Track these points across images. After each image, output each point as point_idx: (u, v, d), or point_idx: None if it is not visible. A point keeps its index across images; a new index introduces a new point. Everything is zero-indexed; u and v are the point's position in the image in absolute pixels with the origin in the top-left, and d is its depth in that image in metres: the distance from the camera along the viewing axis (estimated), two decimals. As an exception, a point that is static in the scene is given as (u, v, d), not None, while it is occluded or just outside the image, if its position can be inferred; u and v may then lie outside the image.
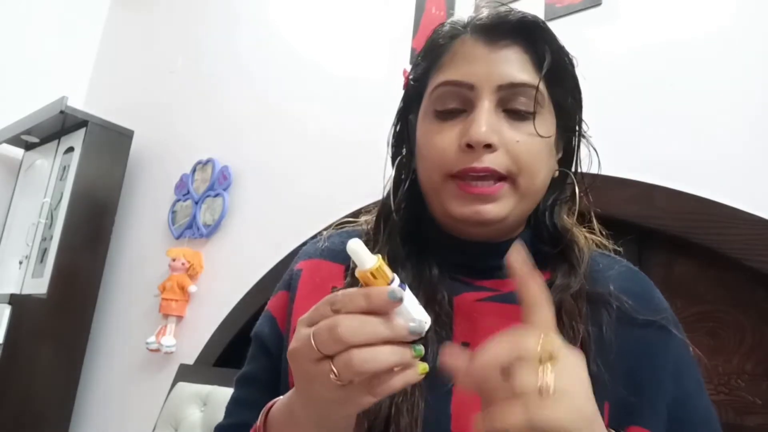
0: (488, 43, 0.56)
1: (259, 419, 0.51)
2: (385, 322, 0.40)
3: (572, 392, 0.37)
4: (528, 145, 0.54)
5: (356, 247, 0.40)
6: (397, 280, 0.41)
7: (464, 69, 0.55)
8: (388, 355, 0.39)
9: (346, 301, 0.40)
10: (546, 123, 0.56)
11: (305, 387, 0.43)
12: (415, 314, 0.41)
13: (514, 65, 0.55)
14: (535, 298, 0.41)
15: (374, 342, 0.39)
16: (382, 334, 0.39)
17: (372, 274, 0.40)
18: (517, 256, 0.41)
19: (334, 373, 0.39)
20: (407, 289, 0.41)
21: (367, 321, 0.39)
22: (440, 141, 0.55)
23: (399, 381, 0.40)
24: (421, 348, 0.41)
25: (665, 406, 0.54)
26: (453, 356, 0.41)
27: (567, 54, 0.58)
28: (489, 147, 0.52)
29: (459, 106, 0.55)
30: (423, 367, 0.41)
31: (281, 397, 0.50)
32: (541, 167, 0.56)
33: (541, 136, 0.54)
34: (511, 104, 0.54)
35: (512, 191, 0.54)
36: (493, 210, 0.53)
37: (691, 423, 0.55)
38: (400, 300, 0.39)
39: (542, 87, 0.55)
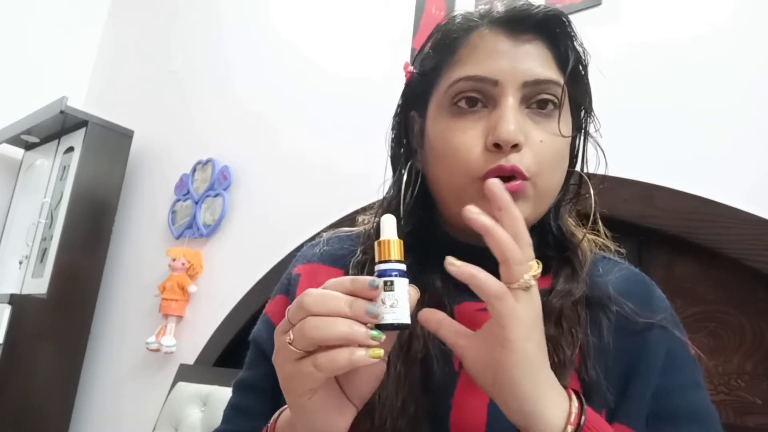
0: (510, 36, 0.53)
1: (270, 421, 0.51)
2: (348, 299, 0.41)
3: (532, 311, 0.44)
4: (550, 145, 0.52)
5: (387, 221, 0.44)
6: (401, 267, 0.43)
7: (487, 63, 0.53)
8: (338, 325, 0.40)
9: (335, 283, 0.42)
10: (566, 122, 0.55)
11: (275, 362, 0.44)
12: (389, 306, 0.41)
13: (537, 61, 0.53)
14: (516, 232, 0.44)
15: (333, 315, 0.40)
16: (341, 308, 0.40)
17: (387, 245, 0.43)
18: (496, 186, 0.45)
19: (290, 337, 0.41)
20: (405, 282, 0.42)
21: (331, 295, 0.41)
22: (463, 140, 0.52)
23: (343, 358, 0.39)
24: (378, 333, 0.40)
25: (645, 398, 0.53)
26: (430, 313, 0.47)
27: (585, 51, 0.57)
28: (516, 146, 0.50)
29: (480, 102, 0.53)
30: (374, 351, 0.40)
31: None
32: (559, 168, 0.55)
33: (564, 136, 0.53)
34: (534, 101, 0.53)
35: (533, 192, 0.52)
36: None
37: (673, 416, 0.53)
38: (376, 288, 0.41)
39: (564, 85, 0.53)
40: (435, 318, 0.47)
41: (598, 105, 0.61)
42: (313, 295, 0.41)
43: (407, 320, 0.41)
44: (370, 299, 0.41)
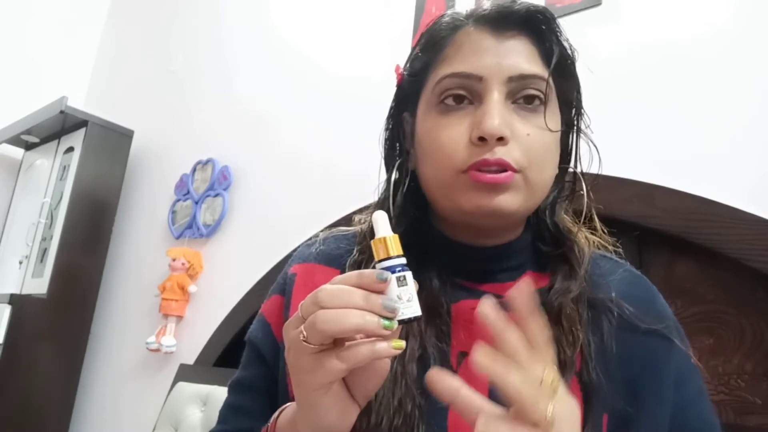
0: (495, 33, 0.54)
1: (270, 420, 0.51)
2: (363, 293, 0.41)
3: (566, 426, 0.39)
4: (538, 139, 0.53)
5: (380, 217, 0.44)
6: (404, 260, 0.43)
7: (472, 60, 0.53)
8: (350, 317, 0.39)
9: (342, 278, 0.42)
10: (554, 117, 0.55)
11: (288, 358, 0.44)
12: (406, 300, 0.41)
13: (522, 56, 0.53)
14: (535, 339, 0.41)
15: (346, 308, 0.40)
16: (356, 303, 0.40)
17: (385, 242, 0.43)
18: (521, 292, 0.41)
19: (303, 334, 0.41)
20: (408, 276, 0.42)
21: (345, 289, 0.41)
22: (449, 135, 0.53)
23: (366, 349, 0.40)
24: (389, 323, 0.40)
25: (666, 416, 0.53)
26: (443, 377, 0.41)
27: (571, 47, 0.57)
28: (501, 140, 0.51)
29: (466, 99, 0.53)
30: (397, 343, 0.41)
31: (291, 404, 0.50)
32: (549, 162, 0.55)
33: (551, 130, 0.53)
34: (520, 96, 0.53)
35: (524, 183, 0.52)
36: (506, 200, 0.51)
37: (691, 429, 0.54)
38: (385, 281, 0.41)
39: (550, 80, 0.54)
40: (450, 386, 0.41)
41: (598, 105, 0.61)
42: (327, 291, 0.41)
43: (420, 312, 0.42)
44: (379, 293, 0.41)
